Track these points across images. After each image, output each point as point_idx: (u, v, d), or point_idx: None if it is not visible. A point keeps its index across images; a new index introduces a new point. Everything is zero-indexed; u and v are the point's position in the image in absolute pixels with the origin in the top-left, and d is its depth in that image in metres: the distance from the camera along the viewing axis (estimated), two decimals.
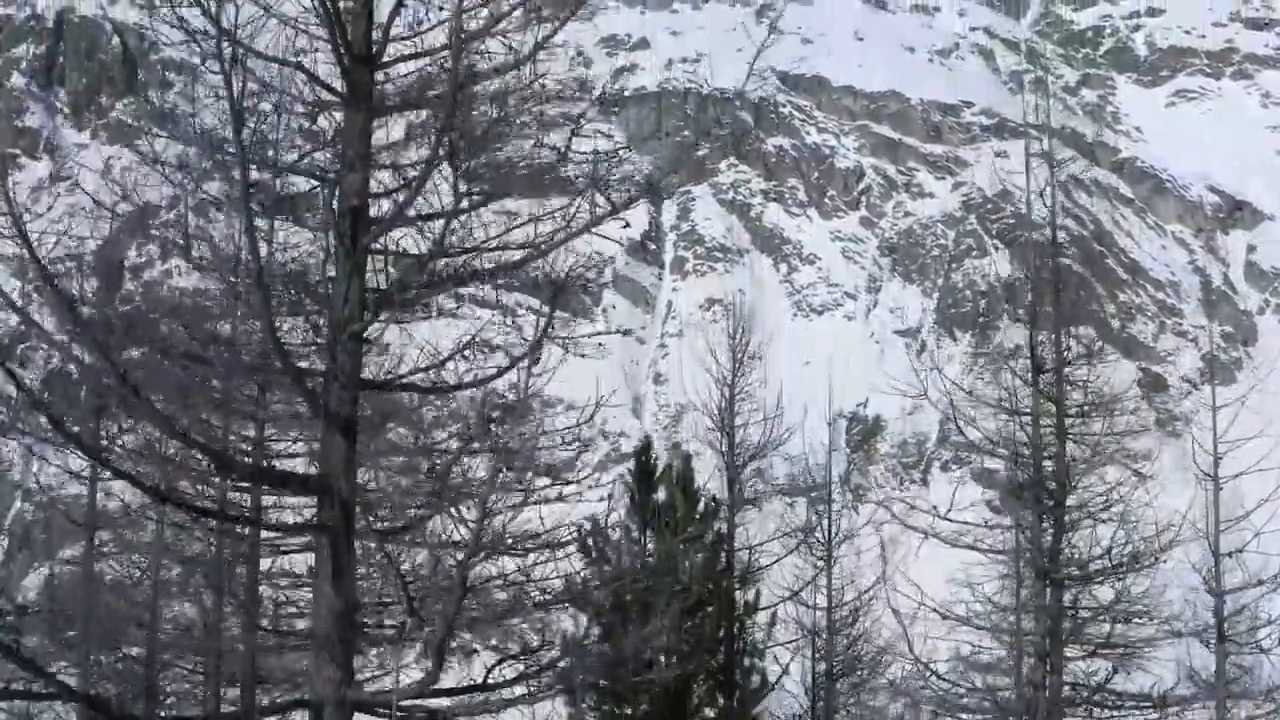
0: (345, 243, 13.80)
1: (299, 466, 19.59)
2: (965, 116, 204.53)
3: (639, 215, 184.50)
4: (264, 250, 14.61)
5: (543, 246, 14.32)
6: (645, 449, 27.05)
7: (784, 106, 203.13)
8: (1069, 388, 26.99)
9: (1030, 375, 27.00)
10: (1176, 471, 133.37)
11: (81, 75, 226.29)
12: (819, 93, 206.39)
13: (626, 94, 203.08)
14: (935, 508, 27.55)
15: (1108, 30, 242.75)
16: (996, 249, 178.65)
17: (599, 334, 15.48)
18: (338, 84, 14.23)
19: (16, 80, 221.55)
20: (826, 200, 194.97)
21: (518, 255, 14.35)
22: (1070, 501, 26.69)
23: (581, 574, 18.28)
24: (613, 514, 23.93)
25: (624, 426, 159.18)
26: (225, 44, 12.85)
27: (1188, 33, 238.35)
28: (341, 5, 13.72)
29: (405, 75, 14.70)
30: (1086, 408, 26.86)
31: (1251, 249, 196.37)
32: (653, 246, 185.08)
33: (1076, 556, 26.46)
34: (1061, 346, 26.90)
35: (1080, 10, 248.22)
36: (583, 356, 14.66)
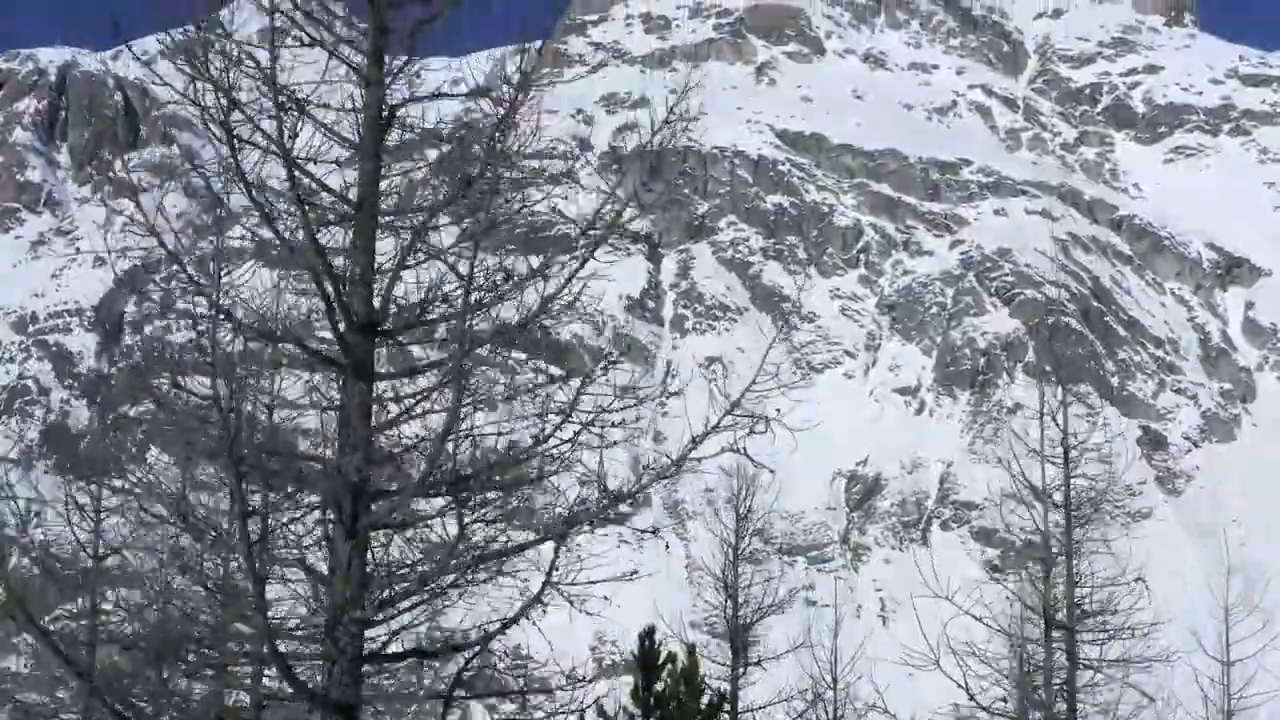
0: (346, 523, 13.01)
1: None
2: (963, 174, 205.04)
3: (638, 273, 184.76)
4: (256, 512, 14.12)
5: (559, 526, 13.86)
6: (649, 634, 26.78)
7: (783, 165, 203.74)
8: (1080, 613, 27.07)
9: (1043, 628, 27.05)
10: (1178, 529, 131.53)
11: (84, 130, 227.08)
12: (817, 151, 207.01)
13: (625, 151, 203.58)
14: None
15: (1105, 88, 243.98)
16: (995, 307, 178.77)
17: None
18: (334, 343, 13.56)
19: (19, 135, 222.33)
20: (825, 258, 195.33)
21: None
22: None
23: None
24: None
25: (624, 484, 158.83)
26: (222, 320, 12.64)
27: (1185, 90, 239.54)
28: (339, 272, 13.18)
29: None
30: (1101, 645, 26.98)
31: (1250, 305, 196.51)
32: (652, 304, 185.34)
33: None
34: (1073, 601, 26.96)
35: (1078, 68, 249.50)
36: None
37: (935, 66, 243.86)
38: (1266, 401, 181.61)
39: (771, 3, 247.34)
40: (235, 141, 12.57)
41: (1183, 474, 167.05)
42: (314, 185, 13.26)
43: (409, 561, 13.98)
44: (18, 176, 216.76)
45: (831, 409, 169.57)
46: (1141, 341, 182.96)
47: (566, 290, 13.87)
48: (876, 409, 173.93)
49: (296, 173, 12.91)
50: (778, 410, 13.69)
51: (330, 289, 12.92)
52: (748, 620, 29.35)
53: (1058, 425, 27.38)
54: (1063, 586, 26.94)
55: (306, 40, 13.18)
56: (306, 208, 12.91)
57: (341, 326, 13.08)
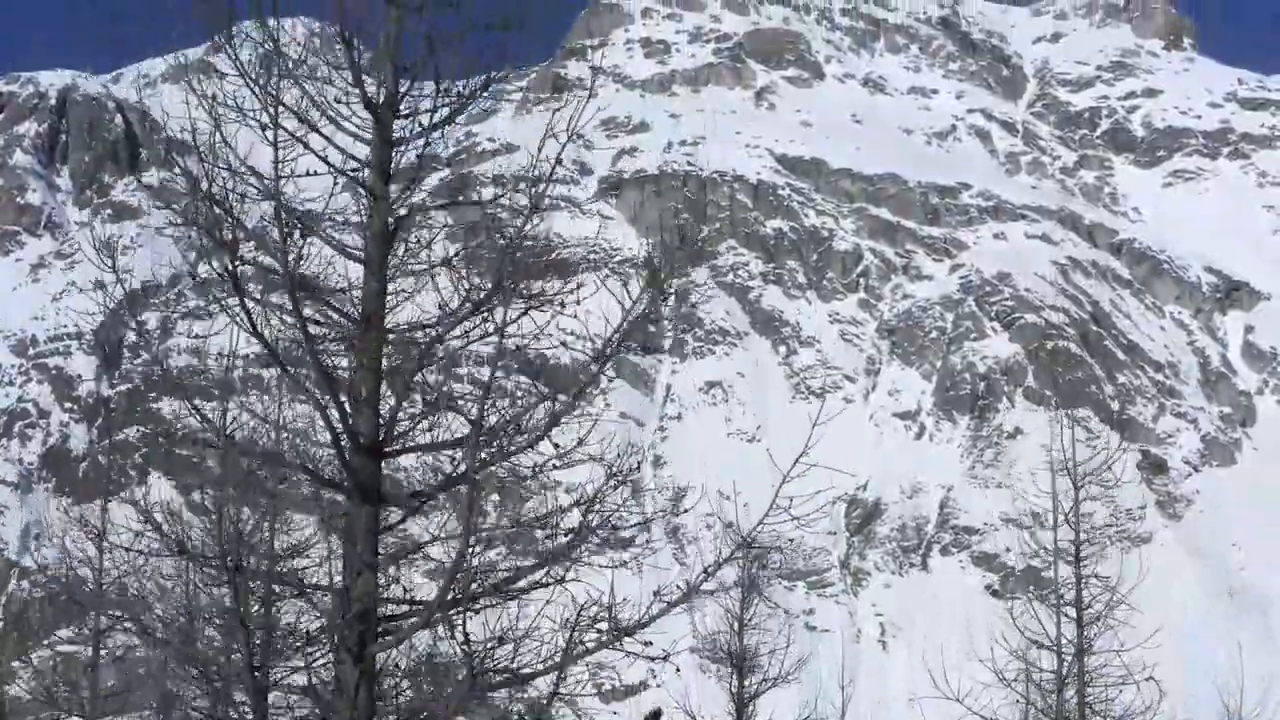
0: (352, 650, 12.70)
1: None
2: (963, 198, 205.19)
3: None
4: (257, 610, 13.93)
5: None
6: (655, 716, 26.55)
7: (782, 189, 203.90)
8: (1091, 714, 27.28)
9: None
10: (1179, 553, 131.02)
11: (84, 153, 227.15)
12: (817, 176, 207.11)
13: (625, 176, 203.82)
14: None
15: (1104, 111, 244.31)
16: (995, 331, 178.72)
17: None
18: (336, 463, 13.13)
19: (20, 158, 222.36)
20: (825, 282, 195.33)
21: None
22: None
23: None
24: None
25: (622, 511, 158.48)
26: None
27: (1184, 114, 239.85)
28: (342, 387, 12.77)
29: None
30: None
31: (1249, 329, 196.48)
32: (651, 329, 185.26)
33: None
34: (1084, 699, 27.12)
35: (1077, 92, 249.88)
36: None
37: (934, 91, 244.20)
38: (1266, 426, 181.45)
39: (771, 27, 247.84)
40: (238, 262, 12.28)
41: (1183, 498, 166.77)
42: (318, 304, 12.93)
43: (410, 670, 13.77)
44: (18, 199, 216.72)
45: (831, 433, 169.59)
46: (1141, 365, 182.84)
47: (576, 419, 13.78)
48: (876, 433, 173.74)
49: (301, 295, 12.57)
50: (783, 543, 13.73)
51: (335, 416, 12.60)
52: (754, 691, 28.97)
53: (1070, 525, 27.50)
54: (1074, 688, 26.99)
55: (312, 171, 12.83)
56: (310, 328, 12.69)
57: (346, 448, 12.70)
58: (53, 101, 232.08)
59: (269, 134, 12.11)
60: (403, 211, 12.99)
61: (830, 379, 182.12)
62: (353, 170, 12.75)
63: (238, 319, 12.37)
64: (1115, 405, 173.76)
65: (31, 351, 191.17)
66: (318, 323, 12.87)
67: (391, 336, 13.14)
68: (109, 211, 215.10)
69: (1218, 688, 31.31)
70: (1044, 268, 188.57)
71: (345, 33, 12.14)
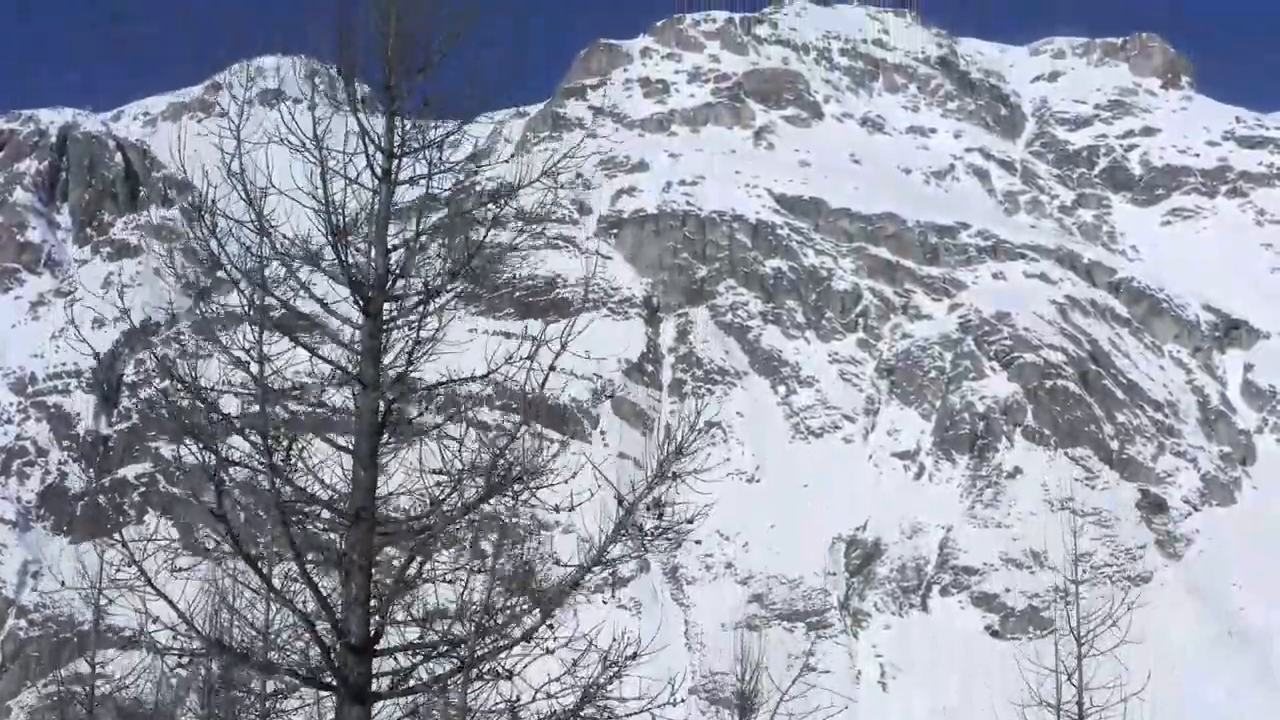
0: None
1: None
2: (962, 238, 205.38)
3: (637, 337, 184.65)
4: None
5: None
6: None
7: (781, 229, 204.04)
8: None
9: None
10: (1179, 592, 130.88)
11: (84, 191, 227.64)
12: (816, 215, 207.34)
13: (624, 215, 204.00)
14: None
15: (1102, 150, 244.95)
16: (994, 371, 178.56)
17: None
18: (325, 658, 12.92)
19: (20, 195, 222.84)
20: (824, 322, 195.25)
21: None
22: None
23: None
24: None
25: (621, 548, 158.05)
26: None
27: (1182, 152, 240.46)
28: (332, 578, 12.51)
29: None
30: None
31: (1249, 367, 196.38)
32: (650, 368, 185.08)
33: None
34: None
35: (1075, 131, 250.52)
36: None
37: (933, 130, 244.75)
38: (1266, 464, 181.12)
39: (770, 68, 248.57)
40: (226, 468, 12.11)
41: (1183, 538, 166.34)
42: (310, 498, 12.64)
43: None
44: (18, 237, 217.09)
45: (831, 473, 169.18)
46: (1140, 404, 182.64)
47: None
48: (875, 473, 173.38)
49: (287, 492, 12.33)
50: None
51: (326, 623, 12.42)
52: None
53: (1073, 685, 27.65)
54: None
55: (298, 385, 12.58)
56: (298, 518, 12.40)
57: (334, 647, 12.50)
58: (53, 139, 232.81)
59: (254, 357, 11.70)
60: (393, 398, 12.61)
61: (829, 419, 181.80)
62: (344, 361, 12.38)
63: (224, 539, 12.10)
64: (1114, 444, 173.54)
65: (30, 389, 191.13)
66: (305, 516, 12.50)
67: (382, 530, 12.79)
68: (109, 249, 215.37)
69: None
70: (1043, 307, 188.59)
71: (334, 225, 11.79)
